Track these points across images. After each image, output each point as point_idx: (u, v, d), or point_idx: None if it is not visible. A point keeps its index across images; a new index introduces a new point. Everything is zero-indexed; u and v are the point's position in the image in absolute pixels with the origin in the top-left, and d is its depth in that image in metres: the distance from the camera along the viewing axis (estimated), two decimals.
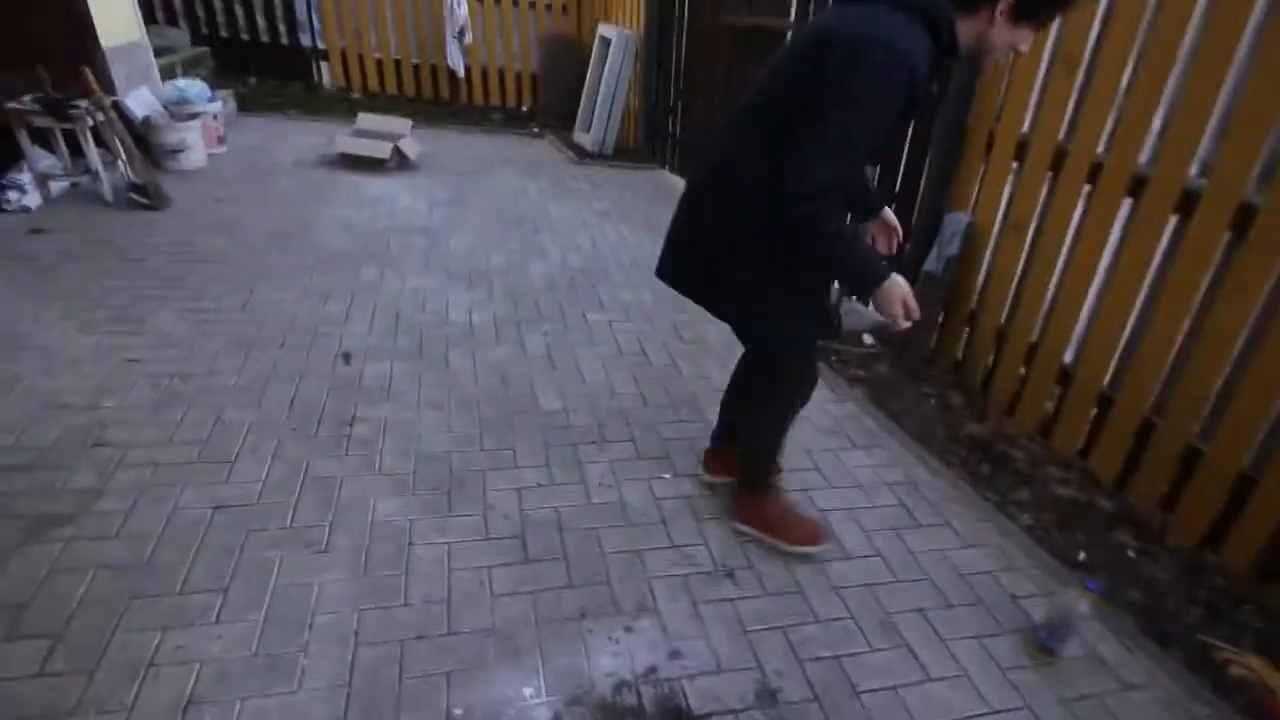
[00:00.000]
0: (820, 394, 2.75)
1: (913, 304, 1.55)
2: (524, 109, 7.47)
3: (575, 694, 1.58)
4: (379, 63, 7.13)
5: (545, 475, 2.25)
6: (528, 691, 1.58)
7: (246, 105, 6.14)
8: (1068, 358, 2.65)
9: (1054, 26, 2.48)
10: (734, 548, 2.05)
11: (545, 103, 7.20)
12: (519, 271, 3.72)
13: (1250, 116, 1.99)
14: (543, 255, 3.96)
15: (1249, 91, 2.00)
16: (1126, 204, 2.37)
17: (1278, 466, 2.02)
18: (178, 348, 2.70)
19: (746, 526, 2.09)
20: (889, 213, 1.94)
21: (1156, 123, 2.24)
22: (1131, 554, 2.25)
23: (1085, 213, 2.51)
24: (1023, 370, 2.81)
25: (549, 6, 7.21)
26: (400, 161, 5.16)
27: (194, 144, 4.68)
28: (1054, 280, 2.65)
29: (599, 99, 6.06)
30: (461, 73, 6.82)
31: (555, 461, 2.32)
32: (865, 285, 1.54)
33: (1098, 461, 2.55)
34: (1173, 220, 2.23)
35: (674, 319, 3.36)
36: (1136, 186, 2.31)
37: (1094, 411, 2.55)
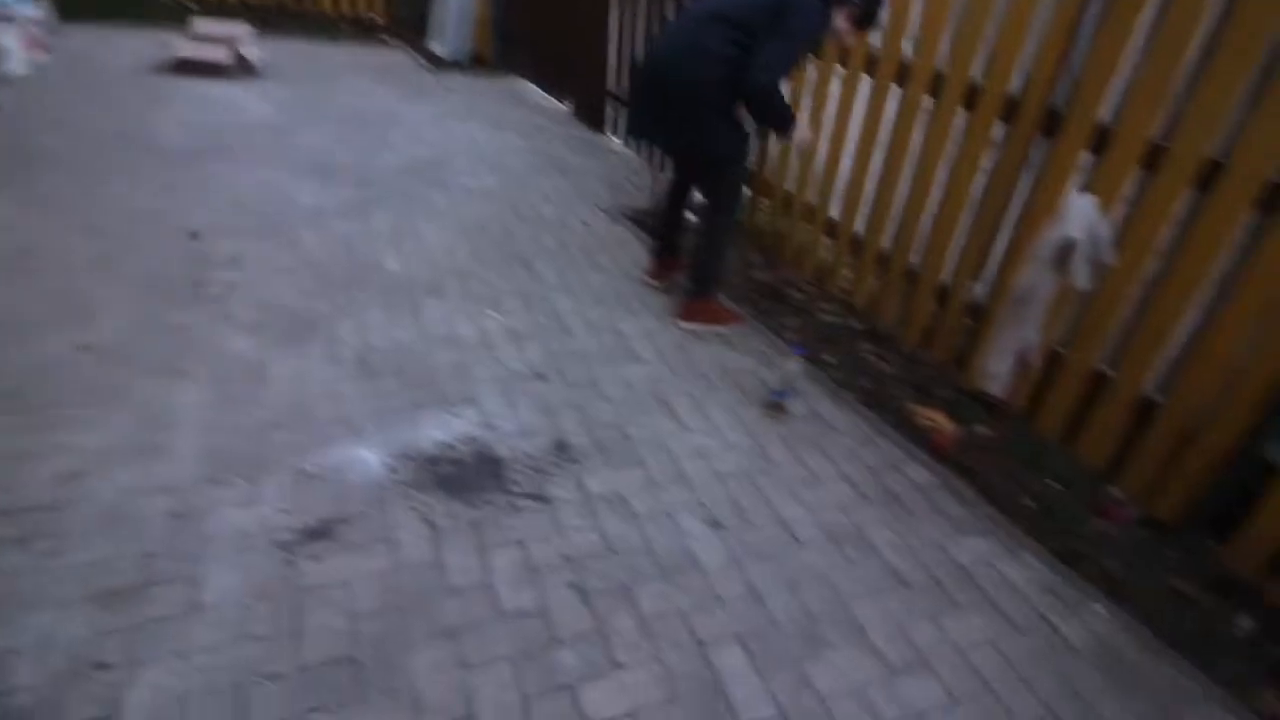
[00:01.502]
0: (639, 253, 3.21)
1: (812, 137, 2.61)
2: (375, 19, 7.35)
3: (406, 452, 2.01)
4: None
5: (386, 318, 2.61)
6: (367, 454, 1.98)
7: (71, 13, 5.76)
8: (834, 213, 3.23)
9: None
10: (549, 358, 2.50)
11: (396, 12, 7.13)
12: (367, 163, 3.94)
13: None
14: (391, 149, 4.18)
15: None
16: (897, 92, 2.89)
17: (960, 284, 2.67)
18: (20, 231, 2.81)
19: (695, 324, 2.81)
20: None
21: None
22: (870, 357, 2.88)
23: (852, 98, 3.04)
24: (803, 226, 3.39)
25: None
26: (243, 67, 5.10)
27: (11, 48, 4.46)
28: (823, 152, 3.20)
29: (450, 7, 6.12)
30: None
31: (395, 307, 2.68)
32: (789, 125, 2.52)
33: (856, 294, 3.18)
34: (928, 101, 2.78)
35: (513, 200, 3.72)
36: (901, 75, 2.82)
37: (848, 253, 3.17)
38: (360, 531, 1.75)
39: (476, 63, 6.43)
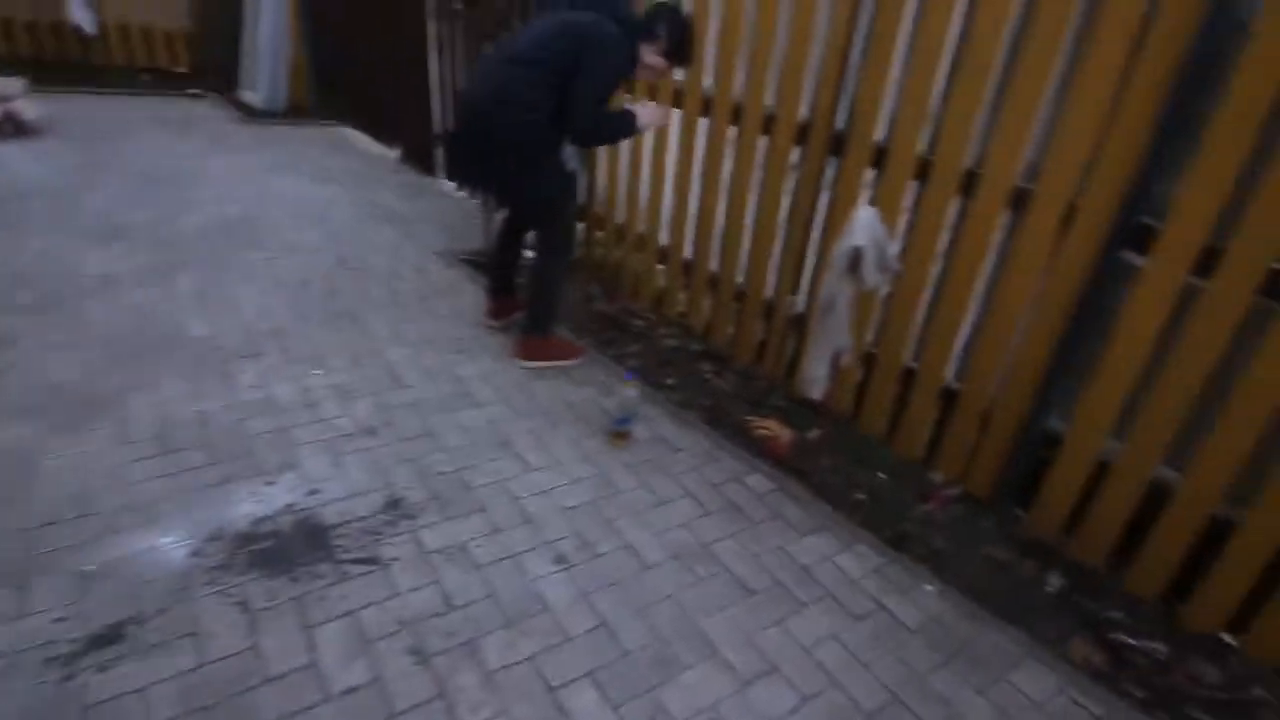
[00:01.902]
0: (476, 295, 3.15)
1: (658, 112, 2.57)
2: (181, 70, 6.86)
3: (214, 533, 1.81)
4: None
5: (190, 389, 2.37)
6: (165, 540, 1.77)
7: None
8: (664, 240, 3.34)
9: None
10: (380, 413, 2.37)
11: (204, 61, 6.70)
12: (167, 225, 3.62)
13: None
14: (197, 208, 3.87)
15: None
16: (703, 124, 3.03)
17: (782, 300, 2.82)
18: None
19: (535, 362, 2.77)
20: None
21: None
22: (708, 376, 2.97)
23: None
24: (638, 256, 3.47)
25: None
26: (16, 127, 4.56)
27: None
28: (645, 182, 3.31)
29: (261, 56, 5.83)
30: (91, 30, 6.08)
31: (202, 376, 2.44)
32: (634, 128, 2.50)
33: (692, 317, 3.29)
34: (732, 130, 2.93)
35: (339, 252, 3.54)
36: (706, 107, 2.97)
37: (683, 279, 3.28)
38: (158, 630, 1.55)
39: (294, 111, 6.14)
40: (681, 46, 2.48)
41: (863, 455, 2.52)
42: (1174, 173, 1.81)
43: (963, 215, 2.22)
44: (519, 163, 2.50)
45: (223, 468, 2.04)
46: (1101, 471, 2.08)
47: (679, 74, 2.97)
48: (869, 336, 2.58)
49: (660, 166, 3.18)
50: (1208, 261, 1.78)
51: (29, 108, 4.64)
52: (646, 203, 3.33)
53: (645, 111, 2.50)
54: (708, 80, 2.90)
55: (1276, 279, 1.70)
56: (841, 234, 1.99)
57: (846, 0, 2.27)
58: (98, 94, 5.88)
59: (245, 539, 1.81)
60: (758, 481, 2.29)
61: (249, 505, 1.92)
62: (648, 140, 3.19)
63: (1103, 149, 1.88)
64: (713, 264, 3.12)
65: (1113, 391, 2.00)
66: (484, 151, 2.52)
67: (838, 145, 2.48)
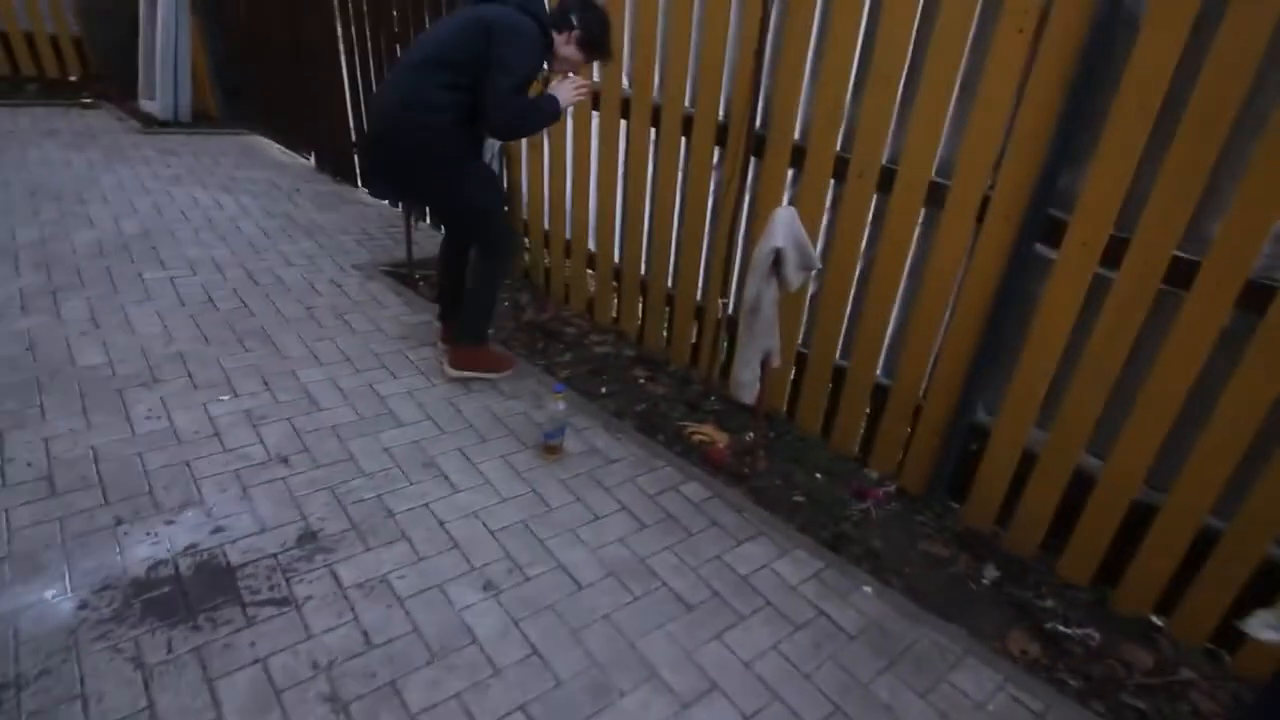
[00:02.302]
0: (398, 308, 3.03)
1: (577, 87, 2.36)
2: (72, 78, 6.42)
3: (105, 582, 1.66)
4: None
5: (81, 422, 2.18)
6: (50, 593, 1.61)
7: None
8: (591, 246, 3.27)
9: None
10: (293, 439, 2.23)
11: (97, 69, 6.28)
12: (56, 243, 3.35)
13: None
14: (89, 225, 3.60)
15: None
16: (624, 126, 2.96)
17: (712, 302, 2.79)
18: None
19: (465, 371, 2.66)
20: None
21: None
22: (642, 381, 2.92)
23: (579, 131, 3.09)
24: (567, 262, 3.40)
25: None
26: None
27: None
28: (568, 186, 3.23)
29: (158, 62, 5.50)
30: None
31: (93, 408, 2.25)
32: (557, 111, 2.32)
33: (624, 323, 3.23)
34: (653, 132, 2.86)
35: (248, 268, 3.35)
36: (625, 110, 2.91)
37: (614, 284, 3.22)
38: (40, 695, 1.40)
39: (202, 120, 5.82)
40: (597, 38, 2.36)
41: (799, 455, 2.51)
42: (1079, 167, 1.85)
43: (882, 212, 2.23)
44: (434, 170, 2.38)
45: (116, 508, 1.88)
46: (1029, 462, 2.12)
47: (596, 70, 2.92)
48: (798, 336, 2.58)
49: (583, 170, 3.11)
50: (1115, 253, 1.83)
51: None
52: (571, 207, 3.26)
53: (565, 89, 2.32)
54: (626, 83, 2.85)
55: (1179, 268, 1.75)
56: (762, 235, 1.96)
57: (756, 2, 2.25)
58: None
59: (140, 586, 1.66)
60: (694, 490, 2.24)
61: (145, 549, 1.76)
62: (569, 143, 3.12)
63: (1010, 144, 1.91)
64: (641, 268, 3.08)
65: (1034, 383, 2.04)
66: (396, 163, 2.39)
67: (758, 146, 2.46)
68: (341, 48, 4.36)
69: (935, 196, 2.09)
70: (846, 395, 2.49)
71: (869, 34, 2.12)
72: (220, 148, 5.25)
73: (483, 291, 2.63)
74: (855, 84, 2.19)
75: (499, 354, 2.78)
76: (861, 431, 2.55)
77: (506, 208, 2.69)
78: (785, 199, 2.46)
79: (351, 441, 2.25)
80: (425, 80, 2.28)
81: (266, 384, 2.49)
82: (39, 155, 4.51)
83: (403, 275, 3.50)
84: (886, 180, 2.18)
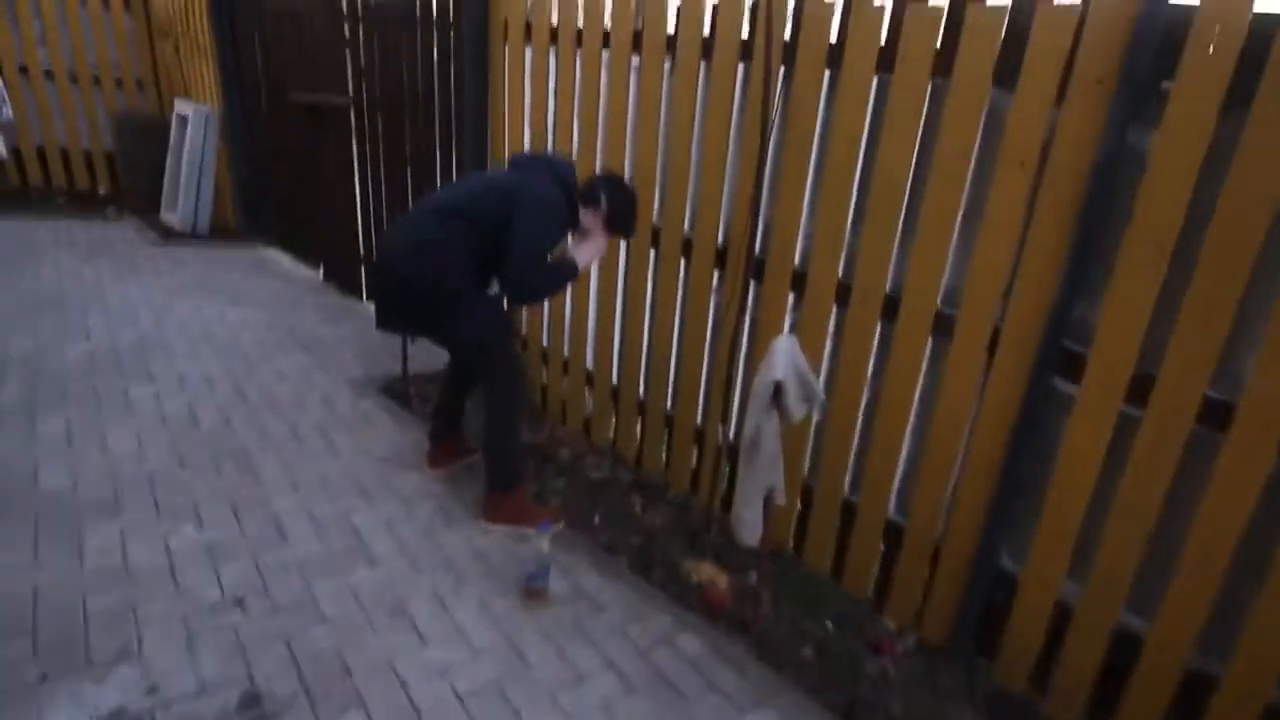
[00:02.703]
0: (387, 427, 2.91)
1: (593, 253, 2.41)
2: (101, 191, 6.67)
3: None
4: None
5: (27, 556, 2.03)
6: None
7: None
8: (589, 364, 3.18)
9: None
10: (254, 578, 2.06)
11: (125, 184, 6.53)
12: (49, 355, 3.30)
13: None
14: (86, 337, 3.57)
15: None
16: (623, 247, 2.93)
17: (711, 426, 2.66)
18: None
19: (500, 524, 2.43)
20: None
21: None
22: (638, 509, 2.74)
23: None
24: (564, 380, 3.30)
25: (120, 83, 6.63)
26: None
27: None
28: (568, 303, 3.18)
29: (182, 178, 5.71)
30: (3, 153, 5.88)
31: (46, 539, 2.10)
32: (576, 275, 2.35)
33: (622, 445, 3.09)
34: (652, 254, 2.84)
35: (239, 384, 3.27)
36: None
37: (612, 404, 3.10)
38: None
39: (221, 233, 5.97)
40: (624, 218, 2.40)
41: (809, 597, 2.29)
42: (1095, 298, 1.75)
43: (888, 340, 2.13)
44: (445, 309, 2.30)
45: (44, 660, 1.69)
46: (1064, 616, 1.90)
47: None
48: (804, 469, 2.42)
49: (583, 288, 3.07)
50: (1142, 389, 1.69)
51: None
52: (570, 324, 3.19)
53: (585, 252, 2.37)
54: None
55: (1213, 409, 1.61)
56: (762, 366, 1.85)
57: (754, 132, 2.25)
58: (5, 217, 5.60)
59: None
60: (690, 643, 2.02)
61: (64, 713, 1.56)
62: None
63: (1018, 274, 1.82)
64: (640, 388, 2.97)
65: (1062, 528, 1.86)
66: (408, 299, 2.34)
67: (758, 270, 2.40)
68: (355, 166, 4.49)
69: (942, 326, 1.99)
70: (857, 533, 2.30)
71: (868, 161, 2.09)
72: (233, 260, 5.34)
73: (501, 433, 2.43)
74: (855, 211, 2.14)
75: (533, 506, 2.53)
76: (876, 573, 2.33)
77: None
78: (786, 325, 2.37)
79: (316, 582, 2.07)
80: (441, 224, 2.29)
81: (235, 513, 2.34)
82: (52, 266, 4.58)
83: (396, 391, 3.41)
84: (890, 308, 2.09)
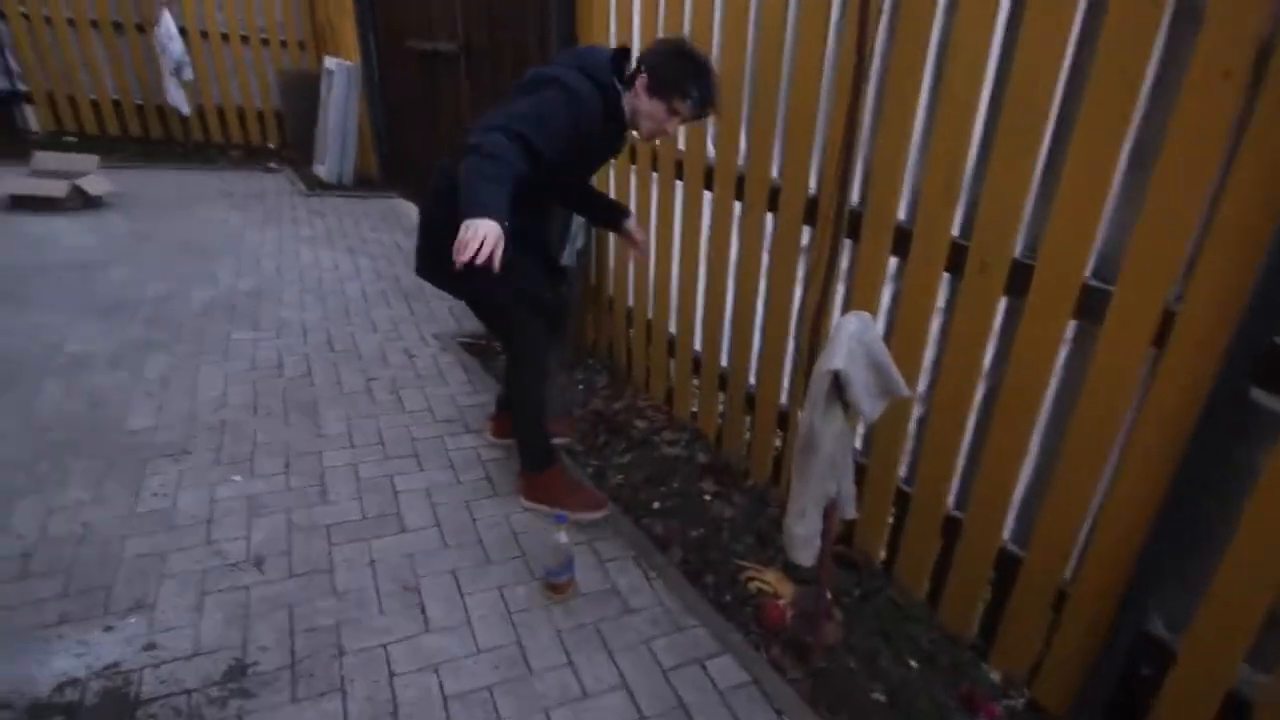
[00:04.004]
0: (459, 386, 2.79)
1: (485, 251, 1.52)
2: (269, 145, 7.21)
3: (6, 699, 1.46)
4: (95, 104, 6.62)
5: (92, 493, 2.10)
6: None
7: None
8: (672, 329, 2.86)
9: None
10: (280, 537, 2.00)
11: (289, 138, 7.00)
12: (177, 299, 3.52)
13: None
14: (212, 282, 3.78)
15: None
16: (707, 197, 2.54)
17: (796, 410, 2.27)
18: None
19: (534, 504, 2.23)
20: (632, 224, 2.31)
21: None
22: (708, 498, 2.43)
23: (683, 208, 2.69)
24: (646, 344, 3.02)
25: (284, 43, 7.06)
26: (84, 200, 4.77)
27: None
28: (651, 261, 2.87)
29: (329, 130, 5.98)
30: (186, 110, 6.47)
31: (113, 478, 2.18)
32: (471, 208, 1.56)
33: (703, 421, 2.77)
34: (737, 206, 2.41)
35: (332, 332, 3.30)
36: (709, 178, 2.45)
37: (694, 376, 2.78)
38: None
39: (363, 184, 6.23)
40: (668, 74, 1.83)
41: (893, 624, 1.89)
42: None
43: (1013, 320, 1.63)
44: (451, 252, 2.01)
45: (66, 603, 1.71)
46: (1238, 711, 1.38)
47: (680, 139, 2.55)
48: (899, 468, 1.98)
49: (665, 243, 2.74)
50: None
51: (98, 183, 4.85)
52: (655, 284, 2.88)
53: (485, 228, 1.53)
54: (710, 149, 2.45)
55: None
56: (822, 352, 1.45)
57: (852, 45, 1.78)
58: (182, 169, 6.19)
59: (36, 712, 1.45)
60: (728, 669, 1.71)
61: (66, 660, 1.56)
62: (653, 212, 2.77)
63: (1209, 237, 1.27)
64: (723, 359, 2.61)
65: (1246, 596, 1.32)
66: (426, 247, 2.09)
67: (853, 226, 1.95)
68: (465, 113, 4.40)
69: (1091, 305, 1.47)
70: (961, 558, 1.84)
71: (998, 85, 1.57)
72: (367, 210, 5.52)
73: (523, 409, 2.20)
74: (978, 151, 1.64)
75: (574, 487, 2.25)
76: (982, 608, 1.87)
77: (549, 298, 2.14)
78: (886, 296, 1.91)
79: (340, 547, 1.98)
80: (458, 155, 1.85)
81: (287, 466, 2.31)
82: (206, 215, 4.96)
83: (480, 347, 3.30)
84: (1020, 278, 1.58)
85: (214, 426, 2.50)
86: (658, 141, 2.60)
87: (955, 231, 1.70)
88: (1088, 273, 1.47)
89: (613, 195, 3.00)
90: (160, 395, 2.67)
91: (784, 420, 2.39)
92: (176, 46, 6.10)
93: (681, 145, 2.54)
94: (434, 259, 1.98)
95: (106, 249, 4.08)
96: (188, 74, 6.28)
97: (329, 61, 6.05)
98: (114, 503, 2.07)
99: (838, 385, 1.39)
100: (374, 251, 4.51)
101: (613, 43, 2.79)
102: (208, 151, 6.87)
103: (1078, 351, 1.57)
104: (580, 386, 3.12)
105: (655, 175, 2.71)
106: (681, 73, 1.83)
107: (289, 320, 3.39)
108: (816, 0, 1.89)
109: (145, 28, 6.38)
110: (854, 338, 1.38)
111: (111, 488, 2.13)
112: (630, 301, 3.10)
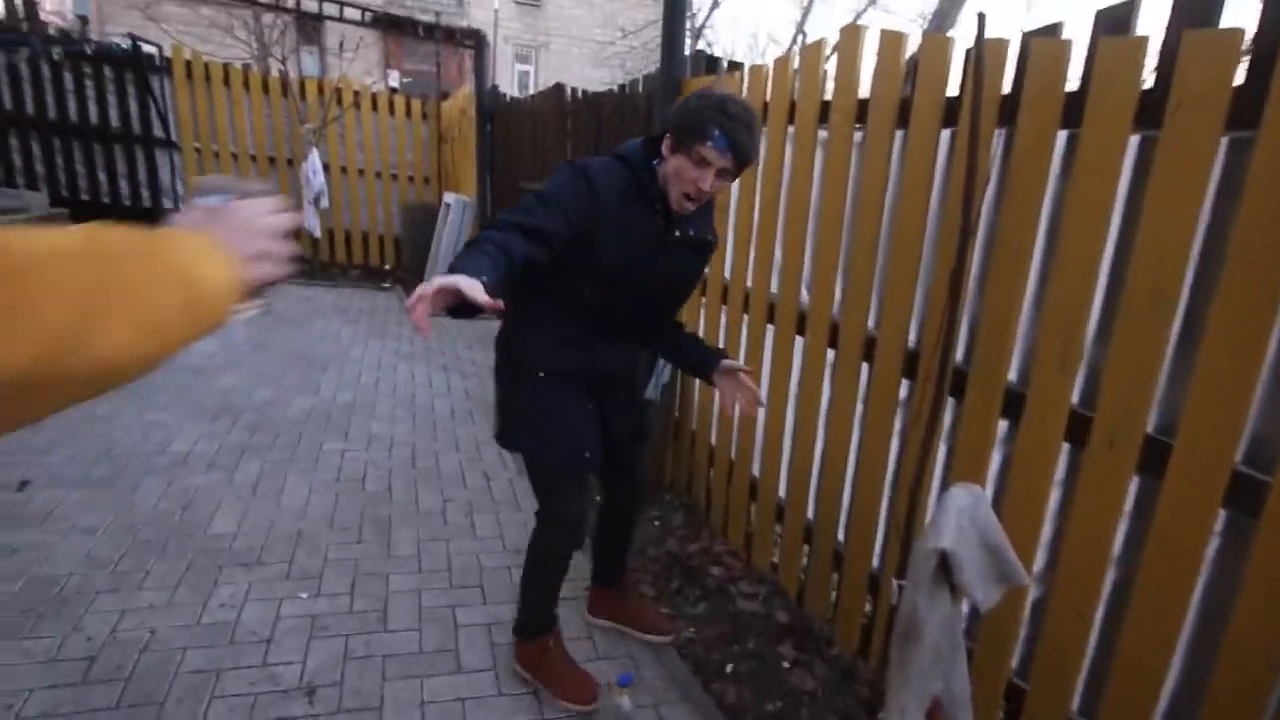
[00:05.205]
0: (532, 513, 2.73)
1: (423, 309, 1.22)
2: (385, 266, 7.81)
3: None
4: None
5: (165, 597, 2.12)
6: None
7: None
8: (755, 471, 2.74)
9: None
10: (336, 664, 1.93)
11: (404, 260, 7.57)
12: (279, 406, 3.71)
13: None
14: (314, 391, 3.98)
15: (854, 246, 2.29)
16: (799, 342, 2.44)
17: (888, 577, 2.08)
18: None
19: (521, 670, 1.95)
20: (731, 363, 1.84)
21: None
22: (787, 664, 2.21)
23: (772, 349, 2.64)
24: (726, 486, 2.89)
25: (411, 179, 7.80)
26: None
27: None
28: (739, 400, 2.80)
29: (441, 255, 6.43)
30: (318, 234, 7.16)
31: (188, 583, 2.20)
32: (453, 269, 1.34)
33: (783, 575, 2.58)
34: (830, 354, 2.29)
35: (417, 448, 3.36)
36: (801, 324, 2.40)
37: (777, 526, 2.62)
38: None
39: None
40: (681, 121, 1.58)
41: None
42: None
43: (1148, 502, 1.44)
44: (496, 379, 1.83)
45: (117, 717, 1.67)
46: None
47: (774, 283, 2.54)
48: (1011, 659, 1.74)
49: (753, 379, 2.67)
50: None
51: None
52: (739, 421, 2.80)
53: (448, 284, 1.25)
54: (804, 295, 2.43)
55: None
56: (926, 526, 1.32)
57: (957, 205, 1.75)
58: (307, 285, 6.74)
59: None
60: None
61: None
62: (741, 350, 2.73)
63: None
64: (809, 510, 2.46)
65: None
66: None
67: (957, 383, 1.84)
68: None
69: (1243, 495, 1.28)
70: None
71: (1121, 242, 1.49)
72: (462, 329, 5.77)
73: (527, 571, 1.92)
74: (1100, 312, 1.53)
75: (562, 673, 1.92)
76: None
77: (575, 465, 1.78)
78: (994, 461, 1.76)
79: (393, 683, 1.88)
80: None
81: (353, 586, 2.28)
82: (322, 328, 5.32)
83: None
84: (1155, 457, 1.41)
85: (291, 537, 2.52)
86: (749, 282, 2.62)
87: (1075, 399, 1.57)
88: (1238, 458, 1.30)
89: (701, 336, 2.99)
90: (247, 500, 2.73)
91: (875, 585, 2.18)
92: (319, 179, 6.85)
93: (775, 288, 2.54)
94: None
95: (225, 355, 4.40)
96: (325, 202, 7.00)
97: (448, 196, 6.62)
98: (183, 610, 2.07)
99: (945, 567, 1.25)
100: (466, 370, 4.67)
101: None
102: (331, 270, 7.50)
103: (1230, 541, 1.36)
104: (656, 522, 3.00)
105: (746, 317, 2.71)
106: (698, 111, 1.55)
107: (378, 434, 3.48)
108: (918, 168, 1.90)
109: (295, 162, 7.22)
110: (964, 514, 1.25)
111: (183, 593, 2.15)
112: (713, 439, 3.02)
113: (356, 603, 2.20)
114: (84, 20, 8.67)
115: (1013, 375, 1.71)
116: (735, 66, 2.80)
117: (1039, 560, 1.70)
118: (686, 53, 3.05)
